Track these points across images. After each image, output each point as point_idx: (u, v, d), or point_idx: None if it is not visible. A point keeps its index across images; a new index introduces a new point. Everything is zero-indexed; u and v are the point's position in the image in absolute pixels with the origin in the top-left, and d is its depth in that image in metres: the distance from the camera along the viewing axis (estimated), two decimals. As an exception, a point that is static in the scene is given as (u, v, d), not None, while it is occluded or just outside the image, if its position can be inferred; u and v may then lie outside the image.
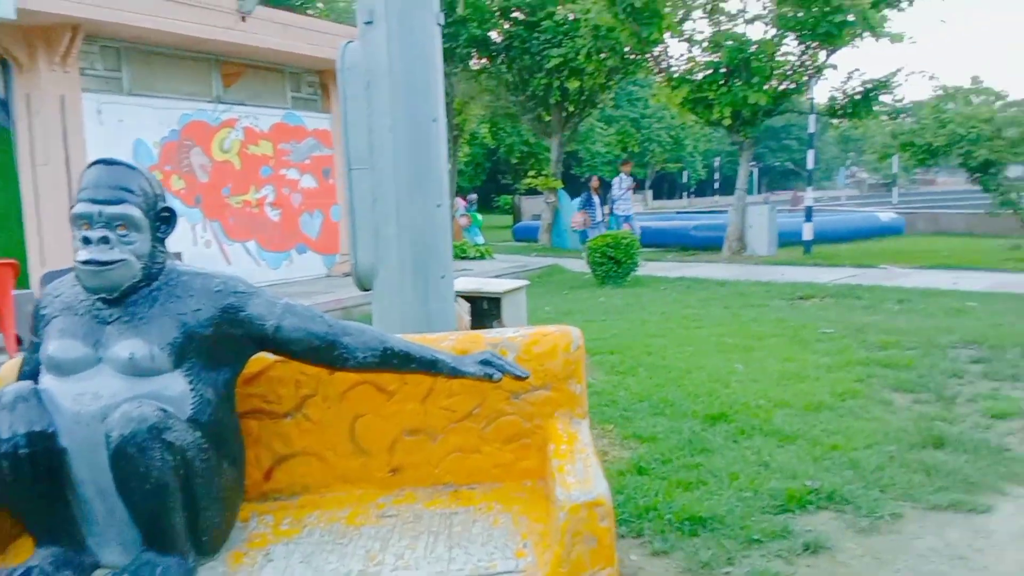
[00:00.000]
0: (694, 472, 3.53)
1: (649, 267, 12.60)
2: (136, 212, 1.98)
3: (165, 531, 1.82)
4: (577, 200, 16.16)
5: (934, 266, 12.00)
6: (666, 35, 14.70)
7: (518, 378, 2.25)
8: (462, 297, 5.17)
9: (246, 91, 11.29)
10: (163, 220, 2.08)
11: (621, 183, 14.66)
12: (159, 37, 9.57)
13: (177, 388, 1.93)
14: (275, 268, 11.41)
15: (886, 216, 20.79)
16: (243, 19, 9.96)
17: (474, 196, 23.04)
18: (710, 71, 14.61)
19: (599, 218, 14.45)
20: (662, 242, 17.38)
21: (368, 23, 3.35)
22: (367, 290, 3.54)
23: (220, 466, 1.96)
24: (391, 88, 3.34)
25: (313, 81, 12.33)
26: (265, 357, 2.33)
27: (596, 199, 14.59)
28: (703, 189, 56.21)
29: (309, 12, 27.72)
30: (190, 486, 1.84)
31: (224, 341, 2.05)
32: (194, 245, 10.21)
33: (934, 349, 5.96)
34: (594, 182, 14.95)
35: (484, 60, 19.91)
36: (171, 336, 1.96)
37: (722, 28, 15.10)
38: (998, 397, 4.64)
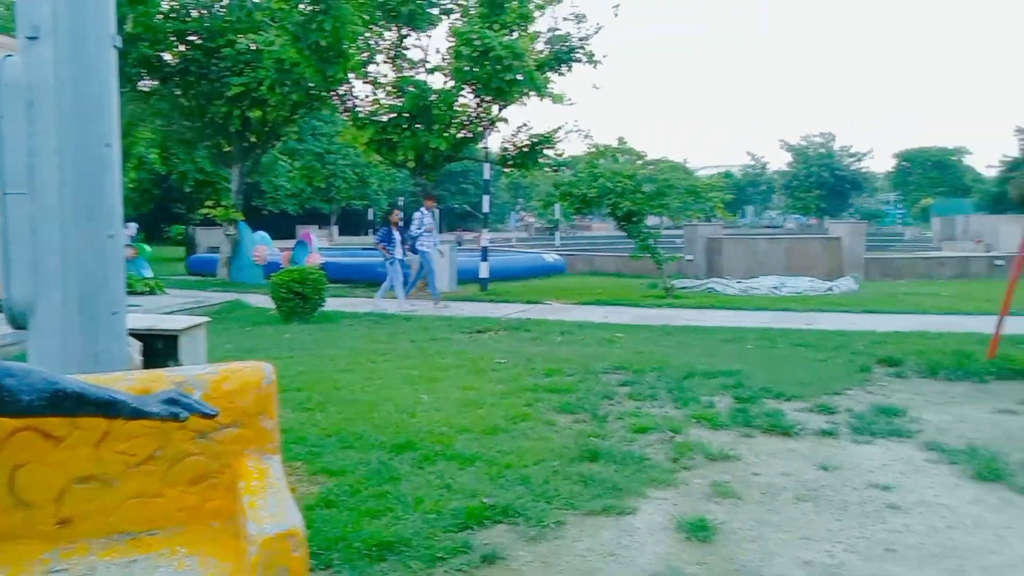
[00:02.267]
0: (382, 500, 3.66)
1: (337, 303, 12.60)
2: None
3: None
4: (271, 235, 15.46)
5: (590, 302, 13.47)
6: (351, 75, 14.99)
7: (206, 416, 2.20)
8: (132, 336, 4.82)
9: None
10: None
11: (423, 219, 13.52)
12: None
13: None
14: None
15: (550, 257, 22.88)
16: None
17: (134, 225, 20.70)
18: (394, 114, 15.13)
19: (399, 255, 13.19)
20: (350, 277, 17.41)
21: (32, 38, 3.08)
22: (22, 328, 3.20)
23: None
24: (59, 109, 3.10)
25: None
26: (-102, 405, 2.04)
27: (396, 234, 13.27)
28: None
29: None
30: None
31: None
32: None
33: (590, 375, 6.73)
34: (395, 215, 13.75)
35: (156, 82, 18.64)
36: None
37: (405, 74, 15.77)
38: (640, 415, 5.38)
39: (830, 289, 16.27)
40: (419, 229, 13.49)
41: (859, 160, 71.68)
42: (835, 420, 5.38)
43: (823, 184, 68.21)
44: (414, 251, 13.64)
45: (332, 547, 3.12)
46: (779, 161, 78.02)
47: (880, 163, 78.54)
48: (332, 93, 15.72)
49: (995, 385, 6.69)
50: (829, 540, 3.40)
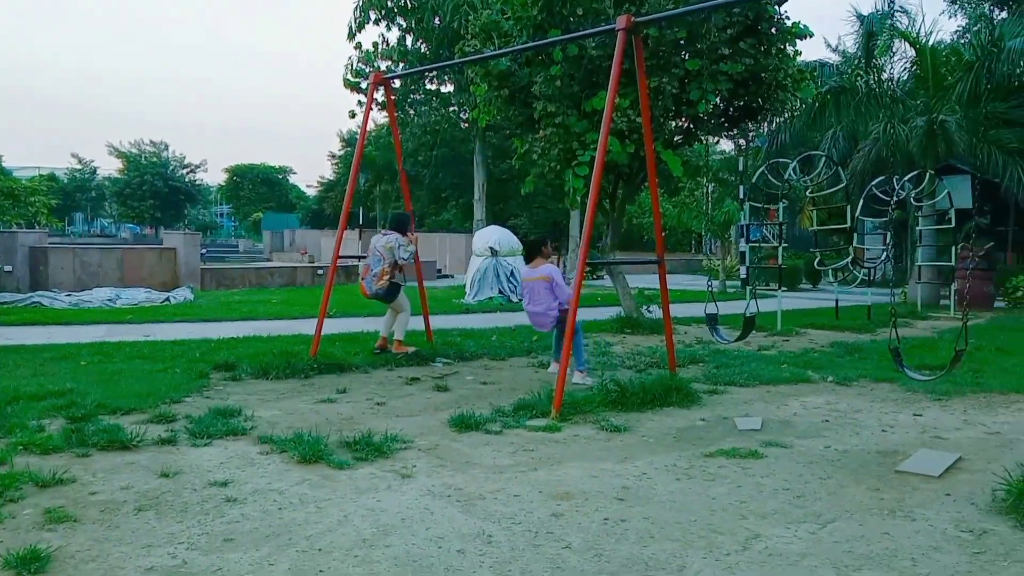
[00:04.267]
0: None
1: None
2: None
3: None
4: None
5: None
6: None
7: None
8: None
9: None
10: None
11: None
12: None
13: None
14: None
15: None
16: None
17: None
18: None
19: None
20: None
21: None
22: None
23: None
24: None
25: None
26: None
27: None
28: None
29: None
30: None
31: None
32: None
33: None
34: None
35: None
36: None
37: None
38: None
39: (167, 299, 16.25)
40: None
41: (193, 172, 72.85)
42: (174, 427, 5.49)
43: (157, 194, 67.22)
44: None
45: None
46: (110, 166, 74.13)
47: (213, 176, 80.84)
48: None
49: (317, 379, 7.65)
50: (171, 543, 3.50)
